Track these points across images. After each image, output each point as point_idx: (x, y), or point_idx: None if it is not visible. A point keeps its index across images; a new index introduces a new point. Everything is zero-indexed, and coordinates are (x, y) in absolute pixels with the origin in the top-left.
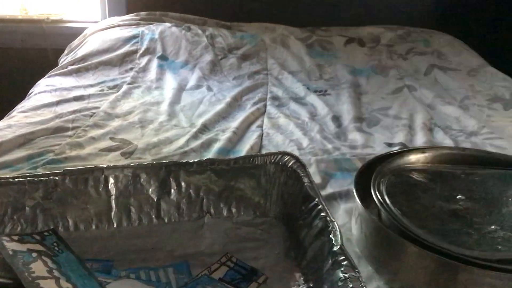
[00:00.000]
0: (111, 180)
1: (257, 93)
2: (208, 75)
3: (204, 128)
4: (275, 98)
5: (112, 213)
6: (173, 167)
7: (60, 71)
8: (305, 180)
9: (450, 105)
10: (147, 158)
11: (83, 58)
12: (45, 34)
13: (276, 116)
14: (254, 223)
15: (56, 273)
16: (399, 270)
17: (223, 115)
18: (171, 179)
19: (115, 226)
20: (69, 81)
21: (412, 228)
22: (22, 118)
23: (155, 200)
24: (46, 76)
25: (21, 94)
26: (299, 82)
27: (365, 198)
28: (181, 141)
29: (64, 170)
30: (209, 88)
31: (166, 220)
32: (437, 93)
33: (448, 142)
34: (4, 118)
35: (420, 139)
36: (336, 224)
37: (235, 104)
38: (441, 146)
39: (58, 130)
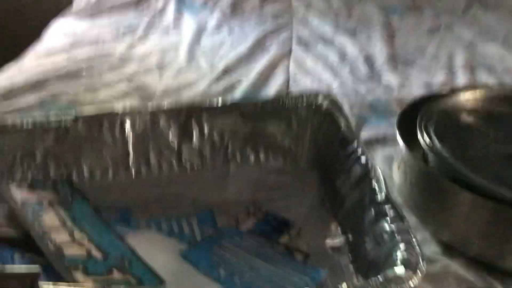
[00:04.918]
0: (128, 125)
1: (281, 35)
2: (229, 16)
3: (226, 71)
4: (300, 39)
5: (130, 160)
6: (195, 109)
7: (74, 13)
8: (342, 122)
9: (493, 45)
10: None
11: (98, 0)
12: None
13: (302, 59)
14: (284, 170)
15: (69, 224)
16: (448, 220)
17: (246, 58)
18: (193, 123)
19: (133, 173)
20: (83, 24)
21: (466, 173)
22: (33, 61)
23: (176, 146)
24: (59, 19)
25: (33, 37)
26: (326, 23)
27: (407, 143)
28: (202, 85)
29: (76, 114)
30: (230, 30)
31: (188, 168)
32: (477, 32)
33: (492, 83)
34: (15, 61)
35: (462, 80)
36: (379, 171)
37: (258, 46)
38: (493, 85)
39: (72, 74)
